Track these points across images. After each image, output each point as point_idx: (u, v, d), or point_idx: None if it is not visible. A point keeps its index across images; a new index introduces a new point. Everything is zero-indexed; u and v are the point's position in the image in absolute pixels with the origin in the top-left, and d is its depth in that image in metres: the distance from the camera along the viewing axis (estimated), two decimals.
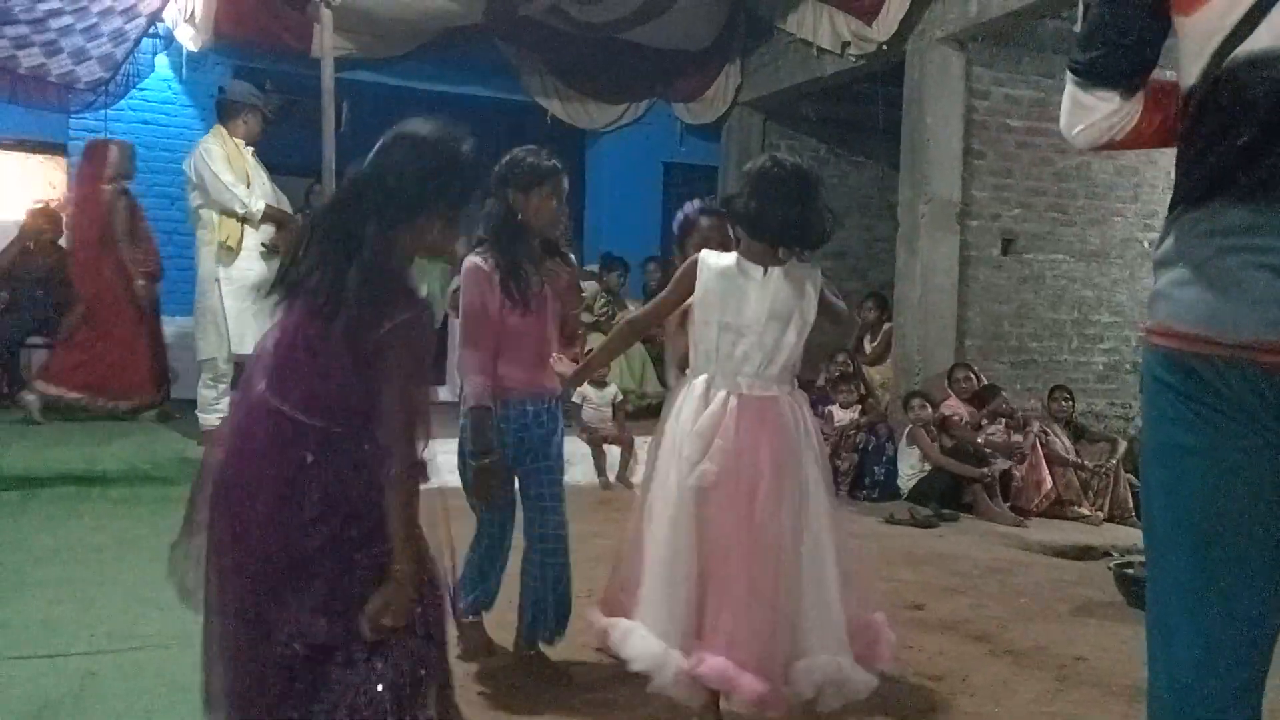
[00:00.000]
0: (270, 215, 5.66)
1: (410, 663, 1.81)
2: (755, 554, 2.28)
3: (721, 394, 2.35)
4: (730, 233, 2.69)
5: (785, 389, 2.42)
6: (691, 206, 2.97)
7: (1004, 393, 6.24)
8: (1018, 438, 5.96)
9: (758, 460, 2.32)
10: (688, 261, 2.46)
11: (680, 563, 2.30)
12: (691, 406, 2.38)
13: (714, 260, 2.41)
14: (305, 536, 1.77)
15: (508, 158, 2.74)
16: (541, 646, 2.86)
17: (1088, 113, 1.45)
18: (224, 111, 5.80)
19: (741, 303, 2.36)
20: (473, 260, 2.74)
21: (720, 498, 2.31)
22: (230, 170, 5.55)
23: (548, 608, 2.80)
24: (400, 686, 1.79)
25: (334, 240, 1.85)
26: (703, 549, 2.30)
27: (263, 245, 5.65)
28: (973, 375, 6.21)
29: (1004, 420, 6.09)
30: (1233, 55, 1.26)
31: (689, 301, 2.50)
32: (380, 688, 1.77)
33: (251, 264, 5.62)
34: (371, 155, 1.88)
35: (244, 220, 5.58)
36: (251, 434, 1.83)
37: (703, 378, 2.40)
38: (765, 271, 2.38)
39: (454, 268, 3.02)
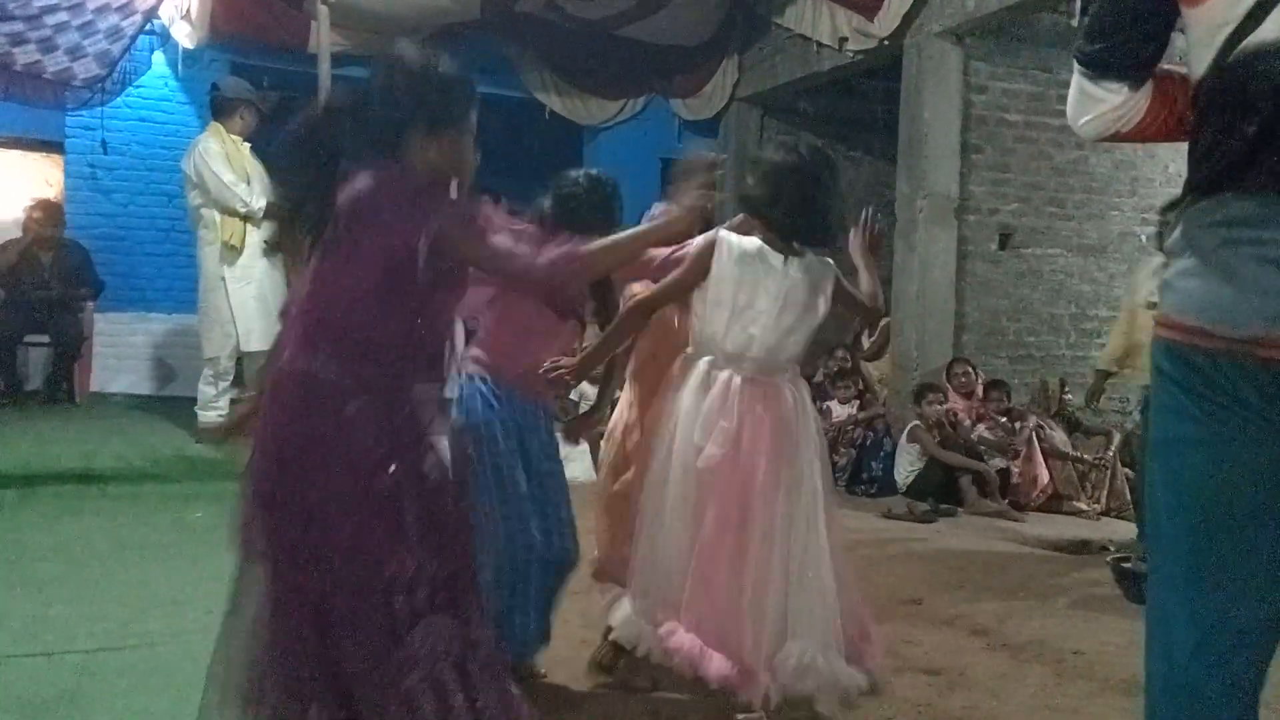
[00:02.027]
0: (272, 212, 5.65)
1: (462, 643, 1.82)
2: (745, 538, 2.26)
3: (725, 375, 2.31)
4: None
5: (787, 376, 2.39)
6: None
7: (1008, 388, 6.25)
8: (1009, 438, 5.95)
9: (757, 443, 2.29)
10: (705, 240, 2.36)
11: (671, 538, 2.29)
12: (694, 388, 2.33)
13: (735, 242, 2.32)
14: (354, 486, 1.80)
15: (564, 183, 2.58)
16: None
17: (1095, 104, 1.44)
18: (219, 108, 5.77)
19: (757, 290, 2.30)
20: None
21: (719, 480, 2.28)
22: (231, 169, 5.53)
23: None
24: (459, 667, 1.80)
25: (319, 166, 1.89)
26: (696, 529, 2.28)
27: (264, 242, 5.64)
28: (971, 370, 6.21)
29: (1001, 416, 6.09)
30: (1241, 46, 1.25)
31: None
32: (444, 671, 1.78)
33: (254, 261, 5.61)
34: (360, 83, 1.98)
35: (246, 219, 5.56)
36: (284, 402, 1.87)
37: (706, 359, 2.34)
38: (786, 260, 2.33)
39: None
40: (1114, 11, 1.41)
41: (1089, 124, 1.47)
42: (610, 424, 2.97)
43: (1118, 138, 1.49)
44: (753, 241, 2.33)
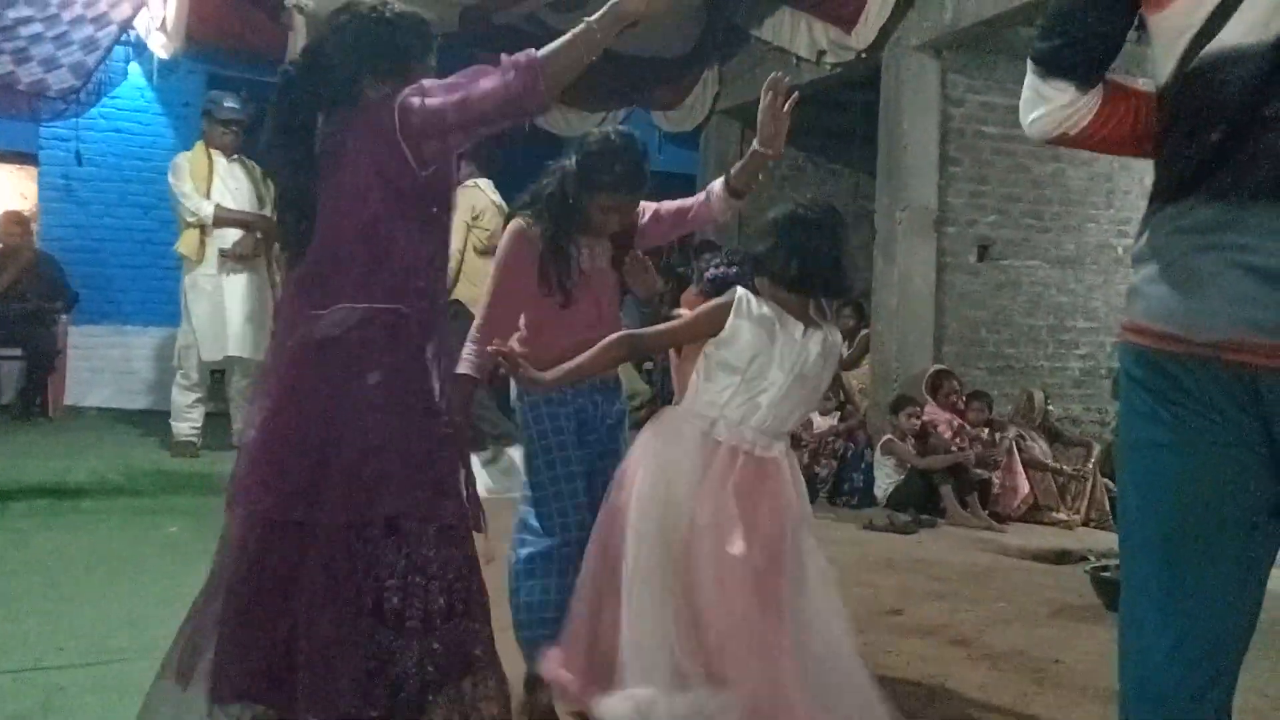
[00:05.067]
0: (224, 218, 5.61)
1: (457, 640, 1.82)
2: (763, 616, 2.09)
3: (726, 449, 2.15)
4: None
5: (783, 447, 2.26)
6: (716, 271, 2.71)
7: (989, 399, 6.27)
8: (989, 450, 5.96)
9: (757, 523, 2.13)
10: (722, 300, 2.23)
11: (663, 610, 2.06)
12: (689, 458, 2.14)
13: (754, 306, 2.19)
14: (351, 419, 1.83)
15: (593, 139, 2.49)
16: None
17: (1044, 102, 1.45)
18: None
19: (771, 361, 2.17)
20: (518, 222, 2.51)
21: (718, 558, 2.07)
22: (190, 179, 5.55)
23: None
24: (445, 666, 1.80)
25: (291, 131, 1.91)
26: (691, 601, 2.06)
27: (221, 251, 5.61)
28: (959, 386, 6.21)
29: (983, 428, 6.11)
30: (1202, 53, 1.26)
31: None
32: (429, 664, 1.78)
33: (211, 270, 5.61)
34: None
35: (201, 228, 5.57)
36: (302, 368, 1.89)
37: (701, 425, 2.18)
38: (805, 331, 2.20)
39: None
40: (1068, 12, 1.42)
41: (1036, 122, 1.47)
42: None
43: (1064, 140, 1.49)
44: (773, 308, 2.20)
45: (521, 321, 2.58)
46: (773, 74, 2.55)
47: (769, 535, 2.14)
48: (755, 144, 2.57)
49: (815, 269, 2.19)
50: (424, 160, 1.83)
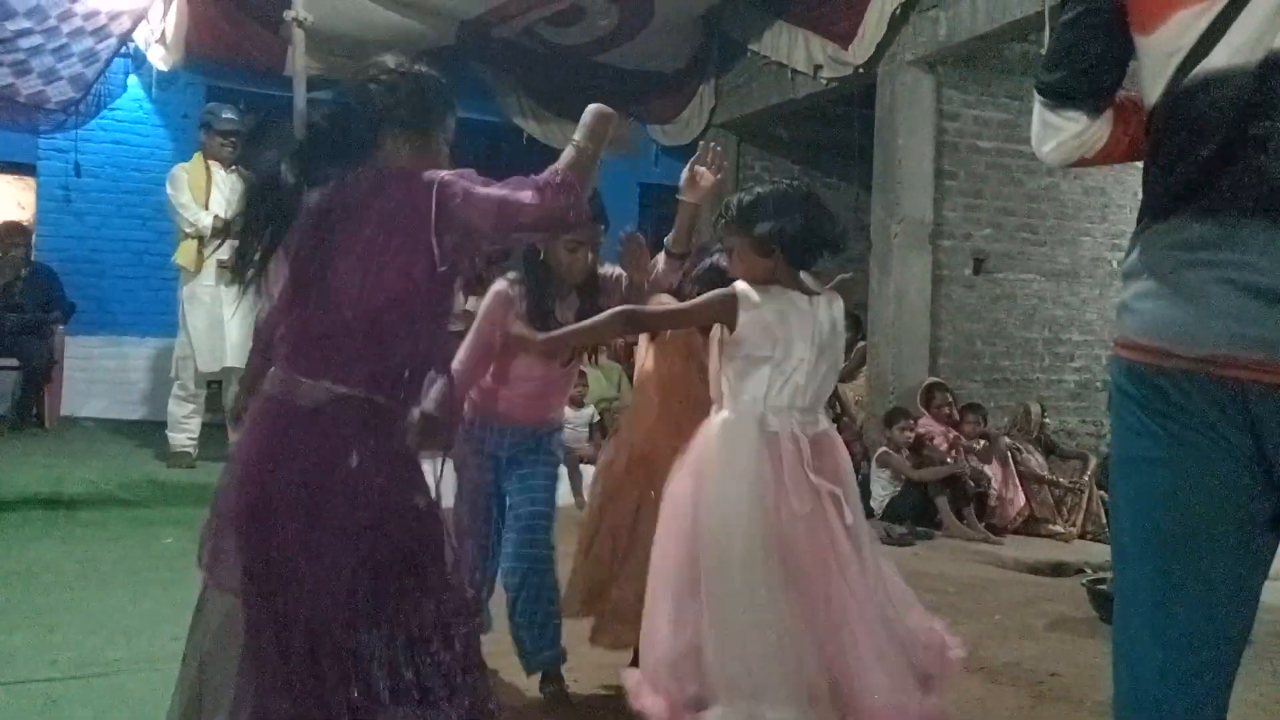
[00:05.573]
0: (220, 228, 5.62)
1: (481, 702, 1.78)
2: (853, 598, 2.15)
3: (786, 437, 2.17)
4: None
5: (826, 419, 2.31)
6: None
7: (984, 411, 6.28)
8: (979, 463, 5.96)
9: (833, 501, 2.17)
10: (723, 293, 2.25)
11: (763, 616, 2.08)
12: (754, 456, 2.15)
13: (756, 295, 2.21)
14: (353, 522, 1.74)
15: None
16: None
17: (1056, 132, 1.46)
18: None
19: (793, 338, 2.21)
20: (500, 284, 2.71)
21: (810, 543, 2.12)
22: (188, 190, 5.59)
23: (524, 627, 2.68)
24: None
25: (299, 180, 1.82)
26: (790, 599, 2.10)
27: (219, 262, 5.62)
28: (951, 399, 6.22)
29: (978, 440, 6.11)
30: (1191, 74, 1.28)
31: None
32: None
33: (208, 283, 5.63)
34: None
35: (199, 239, 5.59)
36: (278, 438, 1.78)
37: (753, 422, 2.19)
38: (810, 301, 2.24)
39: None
40: (1071, 42, 1.43)
41: (1052, 152, 1.49)
42: (607, 458, 2.99)
43: (1082, 163, 1.51)
44: (775, 289, 2.24)
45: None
46: (704, 143, 2.72)
47: (844, 505, 2.19)
48: (679, 195, 2.69)
49: (809, 234, 2.25)
50: (445, 254, 1.79)
